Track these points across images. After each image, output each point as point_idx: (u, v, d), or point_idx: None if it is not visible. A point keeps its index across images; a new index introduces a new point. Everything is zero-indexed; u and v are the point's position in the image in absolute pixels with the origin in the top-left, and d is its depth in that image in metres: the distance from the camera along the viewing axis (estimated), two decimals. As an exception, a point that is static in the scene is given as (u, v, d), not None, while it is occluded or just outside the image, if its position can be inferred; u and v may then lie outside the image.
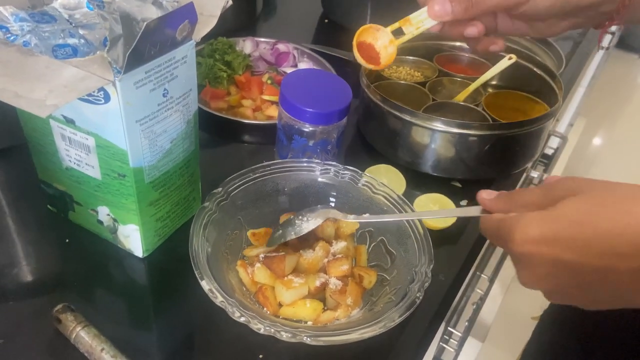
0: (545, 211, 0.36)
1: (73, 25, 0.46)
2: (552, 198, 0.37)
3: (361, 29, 0.61)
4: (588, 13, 0.52)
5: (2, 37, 0.44)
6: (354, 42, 0.61)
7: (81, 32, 0.46)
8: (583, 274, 0.35)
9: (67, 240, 0.56)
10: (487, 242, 0.74)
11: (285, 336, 0.41)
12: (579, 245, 0.34)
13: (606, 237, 0.33)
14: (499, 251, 0.84)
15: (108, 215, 0.52)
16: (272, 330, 0.41)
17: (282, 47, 0.85)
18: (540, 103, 0.72)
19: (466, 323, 0.75)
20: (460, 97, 0.73)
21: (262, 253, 0.51)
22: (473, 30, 0.54)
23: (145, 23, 0.39)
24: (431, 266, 0.49)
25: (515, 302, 1.19)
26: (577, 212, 0.35)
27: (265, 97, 0.77)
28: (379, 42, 0.61)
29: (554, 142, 1.13)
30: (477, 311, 0.79)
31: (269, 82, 0.79)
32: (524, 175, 0.89)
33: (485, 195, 0.43)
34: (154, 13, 0.44)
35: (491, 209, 0.43)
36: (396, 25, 0.61)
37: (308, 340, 0.41)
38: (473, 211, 0.45)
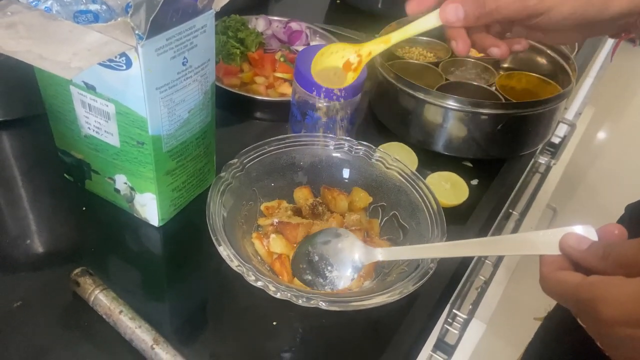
0: None
1: (95, -9, 0.46)
2: None
3: (316, 57, 0.50)
4: (605, 25, 0.48)
5: (25, 1, 0.44)
6: (313, 73, 0.51)
7: (103, -2, 0.46)
8: None
9: (83, 209, 0.56)
10: (497, 222, 0.75)
11: (300, 301, 0.42)
12: None
13: None
14: (507, 230, 0.85)
15: (125, 183, 0.53)
16: (289, 294, 0.42)
17: (295, 25, 0.85)
18: (553, 85, 0.72)
19: (470, 306, 0.76)
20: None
21: (276, 218, 0.52)
22: (496, 51, 0.50)
23: (168, -12, 0.39)
24: (444, 239, 0.49)
25: (518, 295, 1.20)
26: None
27: (278, 75, 0.77)
28: (351, 58, 0.49)
29: (561, 130, 1.13)
30: (481, 295, 0.80)
31: (281, 59, 0.79)
32: (532, 160, 0.90)
33: (574, 243, 0.32)
34: (175, -20, 0.44)
35: (580, 262, 0.32)
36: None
37: (323, 305, 0.42)
38: (541, 248, 0.35)
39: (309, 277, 0.46)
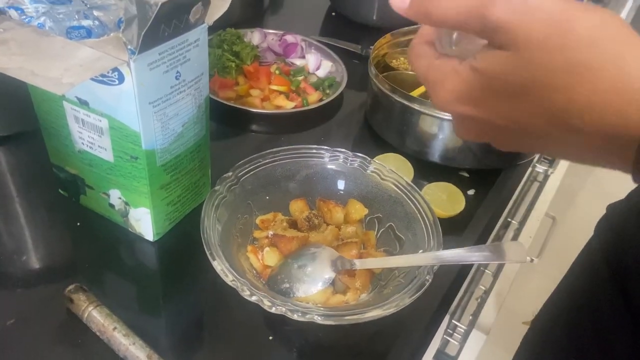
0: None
1: (88, 6, 0.47)
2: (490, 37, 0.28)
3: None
4: None
5: (17, 18, 0.44)
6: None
7: (95, 13, 0.46)
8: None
9: (78, 224, 0.56)
10: (495, 231, 0.74)
11: (296, 315, 0.42)
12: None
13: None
14: (507, 239, 0.85)
15: (119, 198, 0.53)
16: (284, 309, 0.41)
17: (290, 38, 0.86)
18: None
19: (470, 317, 0.75)
20: (416, 93, 0.70)
21: (271, 231, 0.52)
22: None
23: (159, 4, 0.39)
24: (440, 250, 0.49)
25: (518, 305, 1.19)
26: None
27: (274, 87, 0.77)
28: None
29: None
30: (481, 305, 0.79)
31: (277, 72, 0.79)
32: (530, 169, 0.90)
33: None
34: (168, -5, 0.44)
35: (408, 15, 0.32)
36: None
37: (319, 320, 0.41)
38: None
39: (287, 285, 0.48)
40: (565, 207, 1.86)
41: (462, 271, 0.59)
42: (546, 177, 0.96)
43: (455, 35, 0.31)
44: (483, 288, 0.79)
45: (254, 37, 0.86)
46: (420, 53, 0.34)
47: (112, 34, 0.43)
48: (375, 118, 0.74)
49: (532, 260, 1.14)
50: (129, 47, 0.41)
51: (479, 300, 0.80)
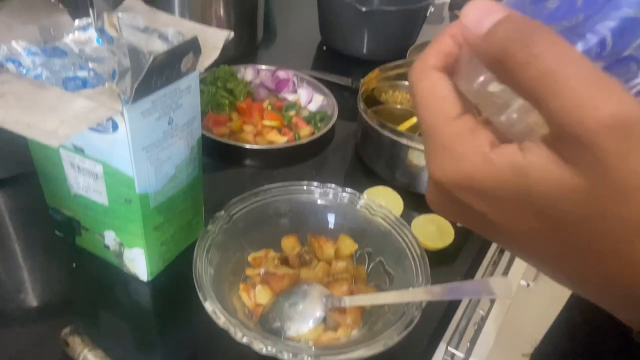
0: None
1: (83, 58, 0.48)
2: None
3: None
4: None
5: (15, 71, 0.46)
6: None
7: (91, 65, 0.48)
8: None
9: (74, 265, 0.57)
10: (489, 262, 0.75)
11: (286, 356, 0.42)
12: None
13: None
14: (498, 272, 0.86)
15: (114, 239, 0.54)
16: (274, 350, 0.42)
17: (282, 74, 0.88)
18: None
19: (468, 344, 0.76)
20: (404, 127, 0.72)
21: (262, 268, 0.53)
22: None
23: (152, 56, 0.41)
24: (428, 285, 0.50)
25: (514, 332, 1.19)
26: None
27: (266, 123, 0.79)
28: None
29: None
30: (478, 332, 0.80)
31: (269, 107, 0.81)
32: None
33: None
34: (160, 46, 0.46)
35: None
36: None
37: None
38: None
39: (278, 324, 0.49)
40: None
41: (452, 304, 0.59)
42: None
43: (518, 104, 0.22)
44: (482, 312, 0.80)
45: (247, 73, 0.88)
46: (435, 85, 0.23)
47: (106, 85, 0.45)
48: (366, 151, 0.75)
49: (528, 285, 1.15)
50: (122, 97, 0.43)
51: (476, 326, 0.80)
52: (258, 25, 1.03)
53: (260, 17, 1.02)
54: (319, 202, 0.59)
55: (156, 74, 0.43)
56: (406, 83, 0.83)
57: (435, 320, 0.56)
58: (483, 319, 0.81)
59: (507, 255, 0.86)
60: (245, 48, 1.01)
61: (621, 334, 0.51)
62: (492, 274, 0.81)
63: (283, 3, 1.26)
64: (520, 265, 0.96)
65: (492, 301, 0.83)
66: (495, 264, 0.85)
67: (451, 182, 0.22)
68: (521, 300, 1.32)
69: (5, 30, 0.49)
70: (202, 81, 0.82)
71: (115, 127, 0.45)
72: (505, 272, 0.87)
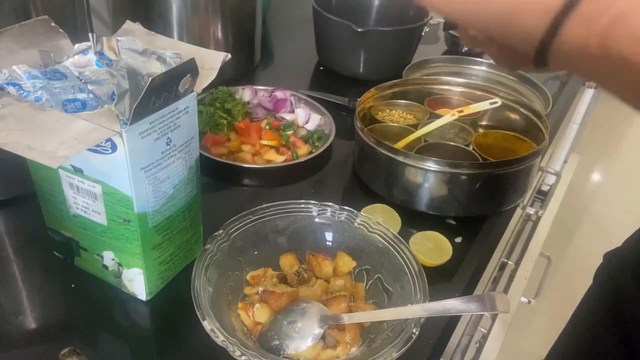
0: None
1: (83, 81, 0.49)
2: None
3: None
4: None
5: (15, 94, 0.47)
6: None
7: (90, 87, 0.49)
8: None
9: (72, 285, 0.57)
10: (488, 278, 0.75)
11: (285, 374, 0.42)
12: None
13: None
14: (499, 289, 0.85)
15: (113, 259, 0.54)
16: (273, 368, 0.42)
17: (279, 94, 0.89)
18: (528, 142, 0.74)
19: (469, 363, 0.75)
20: (400, 145, 0.73)
21: (261, 287, 0.53)
22: None
23: (150, 78, 0.42)
24: (426, 301, 0.50)
25: (516, 349, 1.18)
26: None
27: (264, 142, 0.80)
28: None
29: (550, 179, 1.15)
30: (480, 350, 0.79)
31: (267, 127, 0.82)
32: (521, 211, 0.91)
33: None
34: (158, 68, 0.47)
35: None
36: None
37: (307, 378, 0.42)
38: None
39: (277, 342, 0.49)
40: (562, 247, 1.87)
41: (451, 320, 0.59)
42: (538, 218, 0.98)
43: None
44: (483, 330, 0.79)
45: (245, 94, 0.89)
46: None
47: (105, 106, 0.46)
48: (363, 169, 0.76)
49: (529, 302, 1.14)
50: (121, 118, 0.44)
51: (477, 344, 0.80)
52: (256, 47, 1.04)
53: (258, 38, 1.04)
54: (317, 220, 0.60)
55: (154, 95, 0.44)
56: (402, 102, 0.84)
57: (435, 337, 0.56)
58: (484, 337, 0.81)
59: (507, 272, 0.86)
60: (243, 69, 1.02)
61: (627, 350, 0.51)
62: (492, 291, 0.81)
63: (280, 24, 1.28)
64: (521, 282, 0.96)
65: (494, 319, 0.83)
66: (495, 281, 0.85)
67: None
68: (523, 318, 1.31)
69: (6, 55, 0.50)
70: (201, 102, 0.83)
71: (114, 147, 0.45)
72: (506, 289, 0.87)
